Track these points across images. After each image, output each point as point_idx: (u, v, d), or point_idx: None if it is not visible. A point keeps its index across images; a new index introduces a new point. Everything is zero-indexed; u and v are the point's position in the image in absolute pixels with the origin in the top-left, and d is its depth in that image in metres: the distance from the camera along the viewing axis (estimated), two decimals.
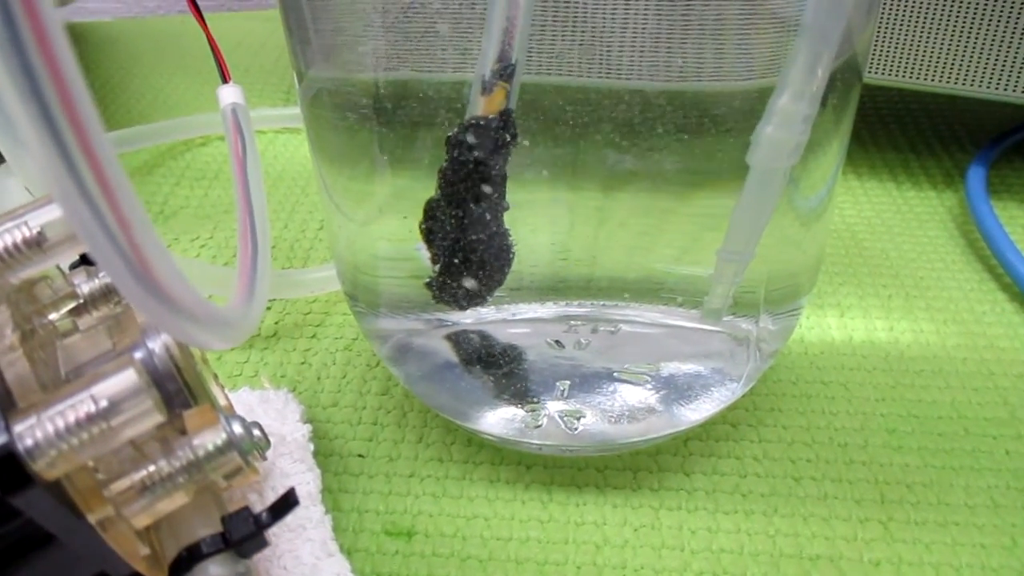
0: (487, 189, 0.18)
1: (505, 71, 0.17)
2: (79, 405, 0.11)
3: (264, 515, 0.13)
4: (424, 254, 0.18)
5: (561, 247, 0.19)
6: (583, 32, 0.16)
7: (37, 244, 0.12)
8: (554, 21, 0.17)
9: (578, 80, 0.17)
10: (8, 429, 0.10)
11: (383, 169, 0.19)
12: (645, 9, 0.16)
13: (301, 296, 0.24)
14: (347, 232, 0.20)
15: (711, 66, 0.17)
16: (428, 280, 0.19)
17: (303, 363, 0.22)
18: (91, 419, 0.11)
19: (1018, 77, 0.26)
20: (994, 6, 0.25)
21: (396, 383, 0.22)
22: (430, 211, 0.18)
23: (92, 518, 0.11)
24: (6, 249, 0.12)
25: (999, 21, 0.25)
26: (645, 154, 0.17)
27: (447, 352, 0.21)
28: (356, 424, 0.21)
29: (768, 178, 0.17)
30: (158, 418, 0.11)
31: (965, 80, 0.27)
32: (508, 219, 0.18)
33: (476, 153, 0.17)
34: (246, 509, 0.13)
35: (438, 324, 0.20)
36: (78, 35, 0.41)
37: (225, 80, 0.24)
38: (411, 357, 0.21)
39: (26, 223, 0.12)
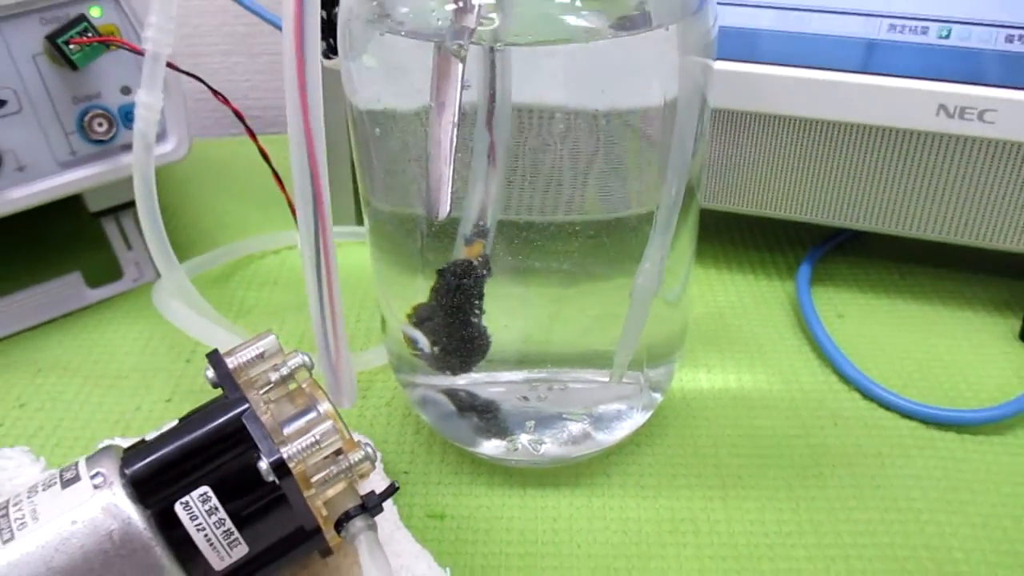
0: (468, 304, 0.30)
1: (481, 231, 0.29)
2: (306, 438, 0.23)
3: (378, 496, 0.25)
4: (411, 333, 0.30)
5: (523, 335, 0.31)
6: (532, 189, 0.29)
7: (267, 358, 0.24)
8: (510, 185, 0.28)
9: (529, 217, 0.29)
10: (279, 450, 0.22)
11: (422, 270, 0.30)
12: (571, 174, 0.28)
13: (359, 370, 0.36)
14: (392, 319, 0.32)
15: (612, 203, 0.29)
16: (418, 351, 0.30)
17: (360, 415, 0.34)
18: (312, 445, 0.23)
19: (820, 204, 0.39)
20: (795, 154, 0.39)
21: (424, 423, 0.34)
22: (421, 311, 0.30)
23: (305, 494, 0.23)
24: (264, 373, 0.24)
25: (802, 163, 0.39)
26: (579, 268, 0.29)
27: (449, 403, 0.33)
28: (401, 452, 0.33)
29: (645, 298, 0.29)
30: (340, 444, 0.23)
31: (788, 209, 0.40)
32: (487, 316, 0.29)
33: (462, 281, 0.29)
34: (371, 492, 0.25)
35: (442, 385, 0.32)
36: None
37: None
38: (429, 406, 0.33)
39: (261, 351, 0.24)
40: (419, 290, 0.29)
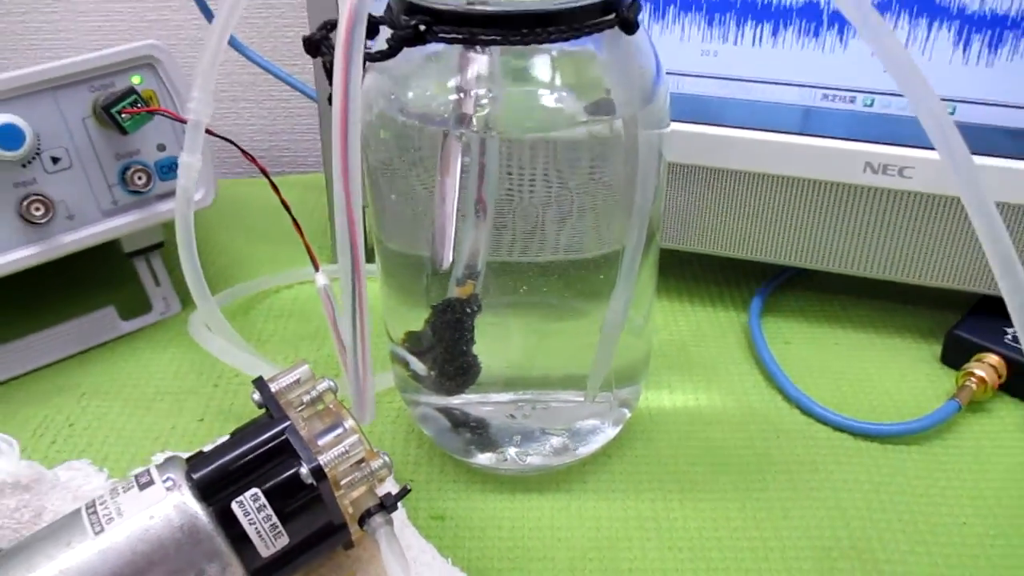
0: (462, 336, 0.35)
1: (472, 273, 0.35)
2: (337, 449, 0.28)
3: (394, 497, 0.30)
4: (401, 354, 0.35)
5: (509, 362, 0.37)
6: (515, 235, 0.34)
7: (302, 384, 0.30)
8: (496, 232, 0.33)
9: (513, 259, 0.34)
10: (317, 459, 0.28)
11: (427, 304, 0.35)
12: (549, 223, 0.33)
13: None
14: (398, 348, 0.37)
15: (584, 246, 0.34)
16: (412, 373, 0.36)
17: (371, 430, 0.40)
18: (342, 455, 0.28)
19: (768, 246, 0.45)
20: (744, 203, 0.45)
21: (425, 437, 0.39)
22: (418, 339, 0.36)
23: (336, 494, 0.29)
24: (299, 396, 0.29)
25: (751, 210, 0.45)
26: (556, 303, 0.35)
27: (446, 420, 0.38)
28: (406, 462, 0.38)
29: (614, 330, 0.35)
30: (363, 454, 0.29)
31: (740, 249, 0.46)
32: (477, 346, 0.35)
33: (455, 317, 0.35)
34: (388, 493, 0.30)
35: (440, 404, 0.37)
36: None
37: (316, 268, 0.41)
38: (429, 422, 0.38)
39: (297, 378, 0.30)
40: (424, 321, 0.35)
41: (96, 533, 0.26)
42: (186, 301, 0.47)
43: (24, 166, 0.40)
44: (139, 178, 0.42)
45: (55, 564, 0.26)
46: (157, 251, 0.47)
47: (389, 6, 0.30)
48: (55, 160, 0.41)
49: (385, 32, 0.29)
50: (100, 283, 0.49)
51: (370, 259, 0.31)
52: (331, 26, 0.29)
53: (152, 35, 0.57)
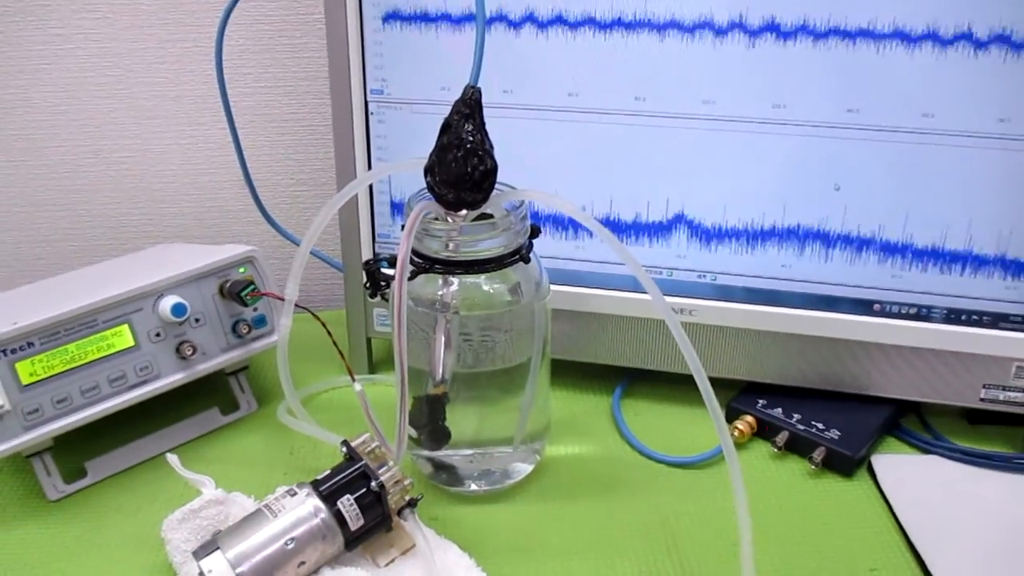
0: (438, 416, 0.64)
1: (443, 380, 0.64)
2: (388, 475, 0.56)
3: (414, 501, 0.58)
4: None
5: (467, 430, 0.65)
6: (468, 354, 0.64)
7: (365, 444, 0.58)
8: (459, 358, 0.63)
9: (467, 369, 0.64)
10: (380, 478, 0.56)
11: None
12: (487, 346, 0.63)
13: None
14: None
15: (507, 359, 0.64)
16: (412, 437, 0.65)
17: None
18: (390, 478, 0.56)
19: (626, 355, 0.76)
20: (605, 331, 0.75)
21: (422, 474, 0.67)
22: (412, 417, 0.64)
23: (387, 498, 0.57)
24: (363, 448, 0.58)
25: (611, 335, 0.75)
26: (494, 394, 0.64)
27: (431, 465, 0.67)
28: (417, 487, 0.66)
29: (527, 408, 0.64)
30: (399, 477, 0.57)
31: (607, 358, 0.76)
32: (448, 421, 0.64)
33: (433, 406, 0.64)
34: (411, 499, 0.58)
35: (427, 455, 0.66)
36: None
37: (352, 378, 0.69)
38: (422, 463, 0.67)
39: (363, 440, 0.58)
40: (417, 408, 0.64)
41: (275, 516, 0.54)
42: (261, 401, 0.75)
43: (180, 324, 0.68)
44: (244, 328, 0.71)
45: (268, 528, 0.53)
46: (244, 371, 0.75)
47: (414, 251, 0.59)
48: (197, 320, 0.69)
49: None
50: (208, 392, 0.77)
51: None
52: (374, 260, 0.59)
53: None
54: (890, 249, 0.68)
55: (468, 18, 0.68)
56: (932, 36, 0.61)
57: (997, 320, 0.68)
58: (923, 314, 0.69)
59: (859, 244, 0.68)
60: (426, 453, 0.66)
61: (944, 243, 0.67)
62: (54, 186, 0.94)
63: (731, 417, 0.73)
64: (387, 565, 0.57)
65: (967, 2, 0.60)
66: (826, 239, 0.69)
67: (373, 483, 0.56)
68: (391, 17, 0.69)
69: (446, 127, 0.55)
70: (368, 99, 0.72)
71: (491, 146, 0.56)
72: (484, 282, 0.61)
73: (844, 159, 0.66)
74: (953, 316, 0.69)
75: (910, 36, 0.62)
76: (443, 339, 0.60)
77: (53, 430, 0.63)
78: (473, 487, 0.66)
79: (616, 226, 0.72)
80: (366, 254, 0.76)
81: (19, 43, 0.88)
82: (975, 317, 0.68)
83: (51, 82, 0.90)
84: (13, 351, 0.61)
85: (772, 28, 0.64)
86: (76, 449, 0.69)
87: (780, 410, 0.72)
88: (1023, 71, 0.61)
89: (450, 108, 0.55)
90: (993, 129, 0.63)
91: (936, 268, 0.67)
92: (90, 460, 0.68)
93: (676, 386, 0.78)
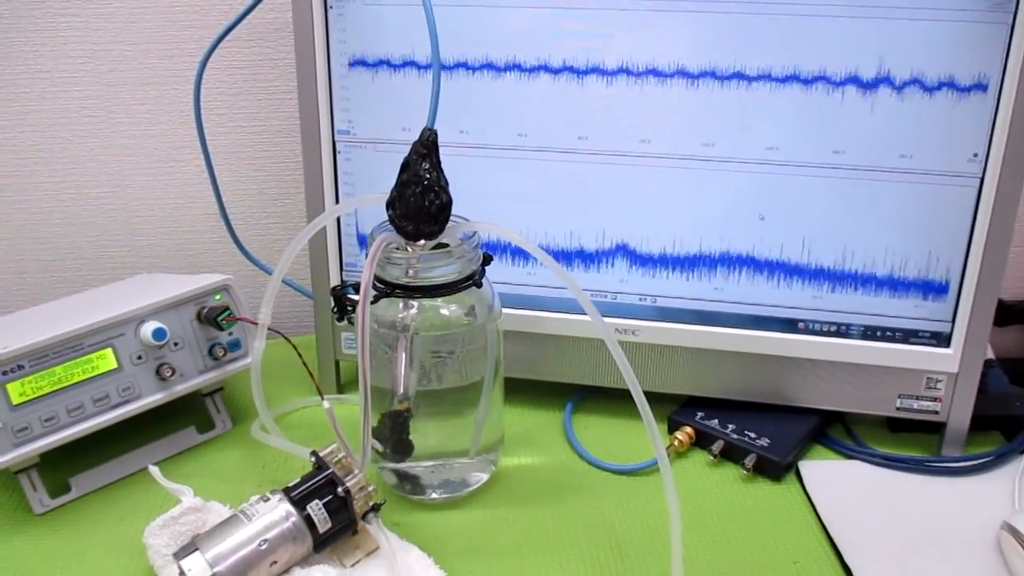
0: (401, 430, 0.69)
1: (406, 396, 0.69)
2: (353, 480, 0.62)
3: (377, 505, 0.64)
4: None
5: (429, 443, 0.71)
6: (429, 372, 0.69)
7: (333, 454, 0.64)
8: (420, 376, 0.69)
9: (428, 387, 0.70)
10: (347, 484, 0.61)
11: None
12: (446, 364, 0.69)
13: None
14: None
15: (464, 376, 0.70)
16: (377, 450, 0.70)
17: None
18: (356, 483, 0.62)
19: (577, 373, 0.82)
20: (555, 350, 0.81)
21: (387, 484, 0.73)
22: (377, 431, 0.70)
23: (354, 503, 0.62)
24: (331, 458, 0.63)
25: (561, 353, 0.81)
26: (452, 409, 0.70)
27: (395, 476, 0.72)
28: (380, 493, 0.71)
29: (481, 421, 0.70)
30: (364, 483, 0.62)
31: (560, 375, 0.82)
32: (412, 434, 0.69)
33: (396, 421, 0.69)
34: (375, 504, 0.63)
35: (392, 467, 0.71)
36: None
37: (322, 397, 0.74)
38: (387, 474, 0.72)
39: (330, 451, 0.63)
40: (382, 422, 0.69)
41: (250, 519, 0.59)
42: (235, 420, 0.80)
43: (160, 347, 0.73)
44: (220, 351, 0.76)
45: (243, 531, 0.58)
46: (220, 392, 0.80)
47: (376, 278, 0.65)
48: (176, 344, 0.74)
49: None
50: (185, 412, 0.81)
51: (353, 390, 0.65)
52: (341, 287, 0.65)
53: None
54: (811, 273, 0.75)
55: (431, 65, 0.75)
56: (854, 80, 0.69)
57: (908, 336, 0.75)
58: (842, 331, 0.76)
59: (783, 269, 0.75)
60: (391, 465, 0.71)
61: (860, 267, 0.74)
62: (38, 220, 0.99)
63: (672, 428, 0.80)
64: (353, 565, 0.62)
65: (874, 46, 0.68)
66: (755, 264, 0.76)
67: (340, 489, 0.61)
68: (357, 63, 0.76)
69: (405, 165, 0.61)
70: (336, 139, 0.78)
71: (446, 182, 0.62)
72: (441, 305, 0.67)
73: (767, 192, 0.73)
74: (869, 333, 0.76)
75: (832, 80, 0.69)
76: (405, 357, 0.66)
77: (40, 447, 0.68)
78: (434, 495, 0.71)
79: (563, 255, 0.79)
80: (334, 281, 0.82)
81: (5, 85, 0.93)
82: (889, 333, 0.75)
83: (36, 123, 0.95)
84: (4, 373, 0.66)
85: (710, 74, 0.71)
86: (61, 465, 0.73)
87: (716, 421, 0.78)
88: (929, 110, 0.68)
89: (409, 148, 0.61)
90: (897, 164, 0.70)
91: (853, 290, 0.75)
92: (74, 476, 0.73)
93: (624, 401, 0.84)
